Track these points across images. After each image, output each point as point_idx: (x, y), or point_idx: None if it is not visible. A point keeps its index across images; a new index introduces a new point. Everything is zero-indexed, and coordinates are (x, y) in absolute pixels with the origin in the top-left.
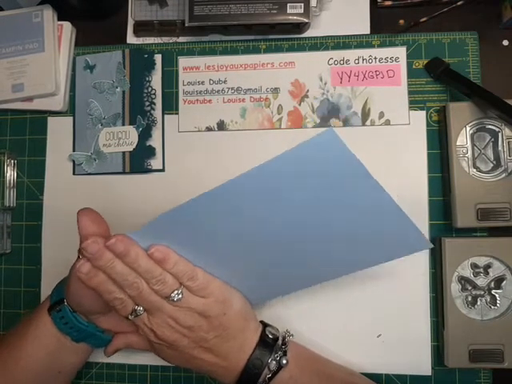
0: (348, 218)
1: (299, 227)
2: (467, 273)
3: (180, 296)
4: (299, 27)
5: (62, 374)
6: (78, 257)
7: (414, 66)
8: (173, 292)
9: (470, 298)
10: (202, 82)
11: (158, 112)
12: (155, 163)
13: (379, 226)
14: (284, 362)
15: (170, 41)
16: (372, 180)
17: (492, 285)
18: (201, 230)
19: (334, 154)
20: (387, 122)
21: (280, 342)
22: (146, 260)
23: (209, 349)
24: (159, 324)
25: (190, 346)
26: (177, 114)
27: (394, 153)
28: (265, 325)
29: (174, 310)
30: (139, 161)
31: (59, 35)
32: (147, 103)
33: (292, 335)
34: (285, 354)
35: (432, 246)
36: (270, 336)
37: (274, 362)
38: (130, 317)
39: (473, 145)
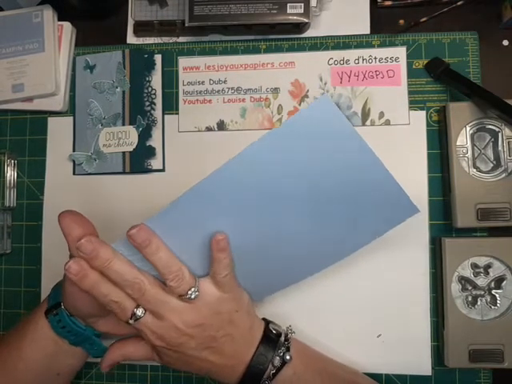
0: (343, 185)
1: (299, 205)
2: (467, 273)
3: (197, 293)
4: (299, 27)
5: (60, 375)
6: None
7: (413, 66)
8: (190, 289)
9: (470, 298)
10: (202, 82)
11: (158, 112)
12: (155, 163)
13: (372, 193)
14: (288, 357)
15: (170, 41)
16: (364, 144)
17: (492, 285)
18: (204, 221)
19: (329, 117)
20: (387, 122)
21: (283, 338)
22: (165, 252)
23: (216, 350)
24: (165, 326)
25: (197, 348)
26: (177, 114)
27: (393, 153)
28: (267, 321)
29: (183, 308)
30: (139, 161)
31: (59, 35)
32: (147, 103)
33: (294, 332)
34: (288, 349)
35: (419, 211)
36: (274, 331)
37: (278, 358)
38: (130, 321)
39: (473, 145)
